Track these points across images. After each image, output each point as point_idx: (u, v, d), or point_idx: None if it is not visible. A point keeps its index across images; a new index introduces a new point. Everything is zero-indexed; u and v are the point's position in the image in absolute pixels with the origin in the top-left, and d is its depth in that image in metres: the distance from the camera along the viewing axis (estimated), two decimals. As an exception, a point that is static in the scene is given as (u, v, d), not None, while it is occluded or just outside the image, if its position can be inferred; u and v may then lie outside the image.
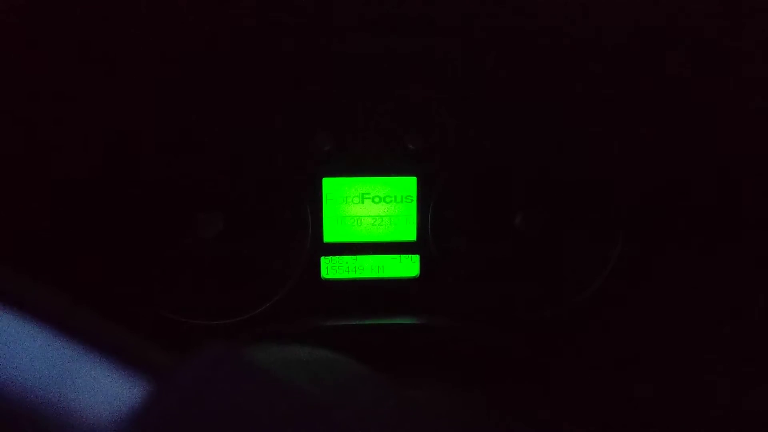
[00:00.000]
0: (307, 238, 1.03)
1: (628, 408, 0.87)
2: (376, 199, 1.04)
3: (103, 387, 0.23)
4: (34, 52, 0.70)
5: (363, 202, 1.04)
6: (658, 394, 0.87)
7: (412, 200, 1.05)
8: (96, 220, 0.98)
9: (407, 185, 1.04)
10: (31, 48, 0.68)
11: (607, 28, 0.80)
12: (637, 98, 0.94)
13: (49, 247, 0.89)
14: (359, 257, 1.05)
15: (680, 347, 0.92)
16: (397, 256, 1.05)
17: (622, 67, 0.89)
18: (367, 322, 1.00)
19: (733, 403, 0.78)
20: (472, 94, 1.02)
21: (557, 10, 0.77)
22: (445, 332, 1.01)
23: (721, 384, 0.82)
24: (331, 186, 1.03)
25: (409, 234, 1.05)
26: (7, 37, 0.64)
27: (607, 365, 0.97)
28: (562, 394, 0.91)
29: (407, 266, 1.06)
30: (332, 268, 1.05)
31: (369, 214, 1.05)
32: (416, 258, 1.06)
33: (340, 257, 1.05)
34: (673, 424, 0.82)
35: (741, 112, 0.82)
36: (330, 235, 1.04)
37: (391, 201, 1.05)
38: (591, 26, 0.80)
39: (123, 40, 0.76)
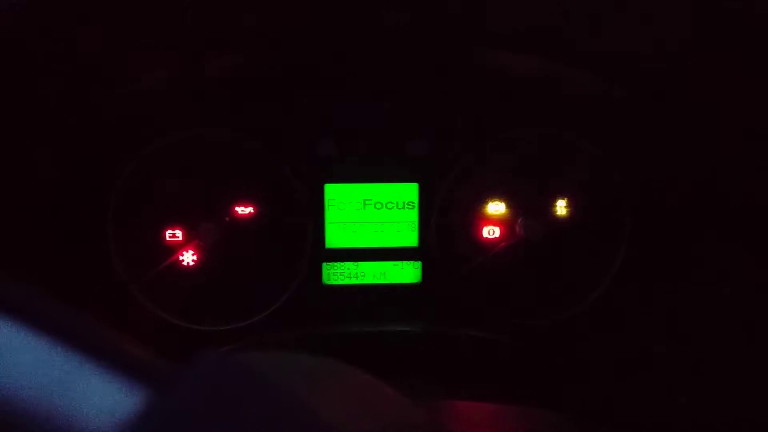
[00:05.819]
0: (308, 244, 1.03)
1: (636, 411, 0.87)
2: (378, 205, 1.04)
3: (102, 396, 0.23)
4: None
5: (365, 208, 1.04)
6: (664, 397, 0.87)
7: (413, 206, 1.05)
8: (98, 225, 0.98)
9: (409, 191, 1.04)
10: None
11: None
12: (639, 102, 0.94)
13: (52, 252, 0.89)
14: (361, 263, 1.05)
15: (684, 350, 0.91)
16: (398, 263, 1.05)
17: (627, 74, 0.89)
18: (369, 329, 1.00)
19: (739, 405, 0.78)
20: (474, 100, 1.02)
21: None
22: (446, 339, 1.01)
23: (726, 386, 0.81)
24: (333, 192, 1.03)
25: (411, 240, 1.05)
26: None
27: (612, 370, 0.96)
28: (567, 399, 0.90)
29: (409, 272, 1.06)
30: (334, 274, 1.05)
31: (371, 220, 1.04)
32: (418, 264, 1.05)
33: (342, 263, 1.05)
34: (681, 427, 0.81)
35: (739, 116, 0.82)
36: (332, 241, 1.04)
37: (392, 207, 1.04)
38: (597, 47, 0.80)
39: (125, 44, 0.76)
